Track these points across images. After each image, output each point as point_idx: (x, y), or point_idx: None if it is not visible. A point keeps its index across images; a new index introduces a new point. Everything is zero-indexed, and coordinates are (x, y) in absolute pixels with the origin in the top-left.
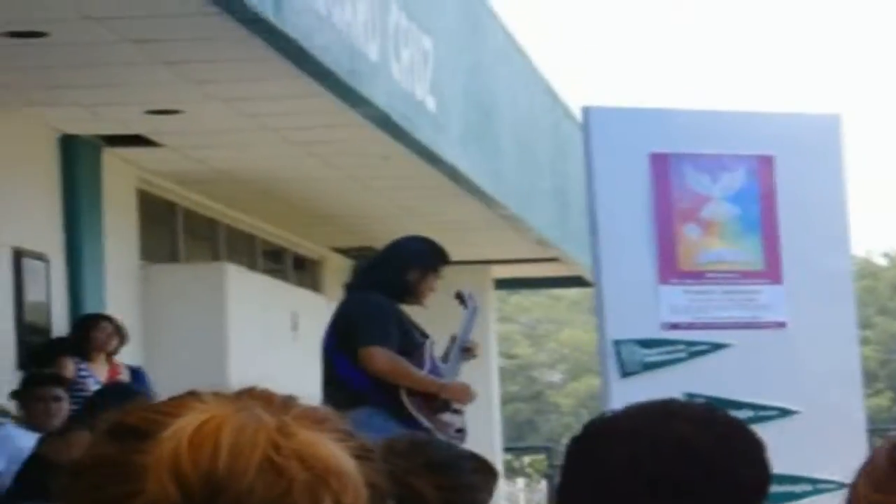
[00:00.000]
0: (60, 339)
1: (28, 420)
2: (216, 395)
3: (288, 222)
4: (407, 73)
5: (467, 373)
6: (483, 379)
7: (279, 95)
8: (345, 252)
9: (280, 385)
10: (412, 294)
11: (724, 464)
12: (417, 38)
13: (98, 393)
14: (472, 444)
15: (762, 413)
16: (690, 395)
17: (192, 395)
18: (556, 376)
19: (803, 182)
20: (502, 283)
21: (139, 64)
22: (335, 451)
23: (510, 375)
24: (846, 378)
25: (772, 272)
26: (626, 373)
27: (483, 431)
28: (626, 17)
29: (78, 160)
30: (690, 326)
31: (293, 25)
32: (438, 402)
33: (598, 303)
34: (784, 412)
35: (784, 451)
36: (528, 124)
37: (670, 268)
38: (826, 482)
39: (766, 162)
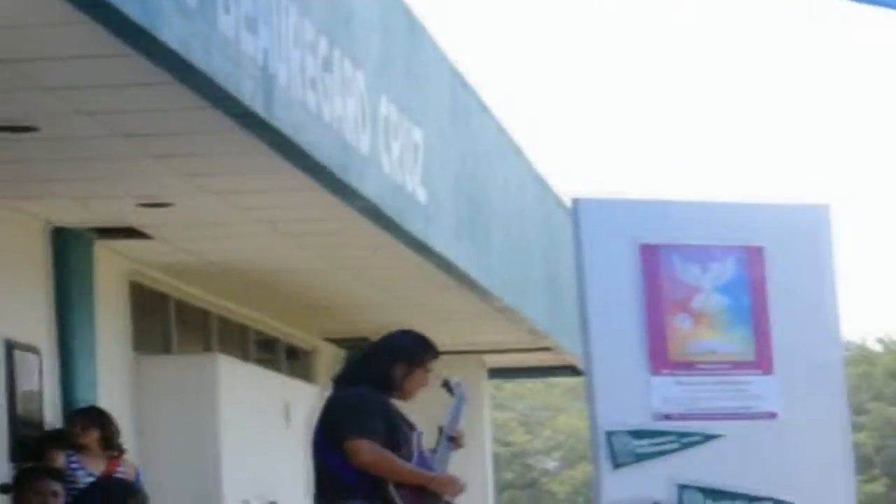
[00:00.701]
0: (48, 432)
1: None
2: None
3: (280, 313)
4: (397, 165)
5: (461, 461)
6: (477, 467)
7: (270, 188)
8: (337, 342)
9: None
10: (398, 388)
11: None
12: (408, 130)
13: (92, 486)
14: None
15: (756, 503)
16: (683, 486)
17: None
18: (551, 464)
19: (793, 272)
20: (496, 373)
21: (130, 157)
22: None
23: (505, 463)
24: (838, 468)
25: (762, 363)
26: (618, 464)
27: None
28: (618, 109)
29: (69, 252)
30: (682, 417)
31: (284, 120)
32: (427, 494)
33: (589, 394)
34: (777, 502)
35: None
36: (519, 215)
37: (661, 359)
38: None
39: (755, 252)
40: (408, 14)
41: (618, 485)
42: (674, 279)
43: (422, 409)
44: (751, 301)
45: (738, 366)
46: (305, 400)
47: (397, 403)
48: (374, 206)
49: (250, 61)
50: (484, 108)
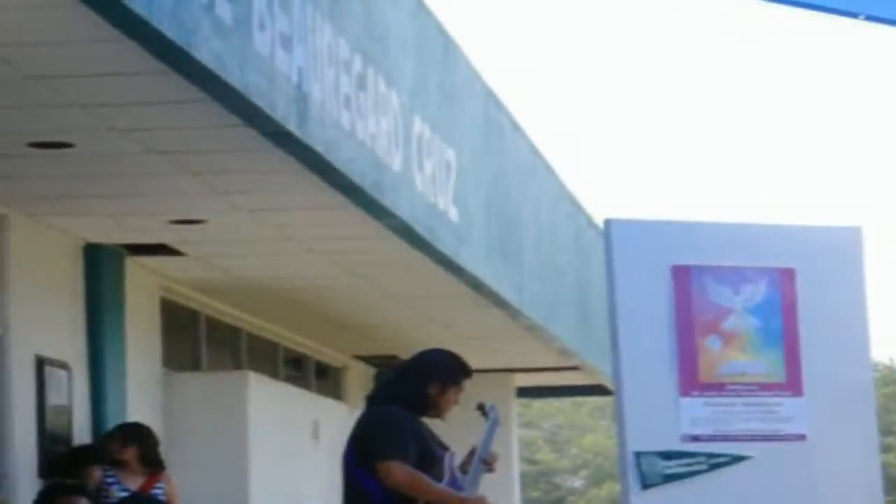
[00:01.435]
0: (85, 447)
1: None
2: None
3: (310, 330)
4: (430, 184)
5: (488, 480)
6: (505, 485)
7: (303, 206)
8: (367, 360)
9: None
10: (431, 407)
11: None
12: (440, 149)
13: (120, 501)
14: None
15: None
16: None
17: None
18: (577, 482)
19: (824, 294)
20: (524, 391)
21: (163, 174)
22: None
23: (532, 481)
24: (866, 491)
25: (793, 384)
26: (646, 485)
27: None
28: (650, 130)
29: (101, 269)
30: (711, 438)
31: (317, 138)
32: None
33: (618, 414)
34: None
35: None
36: (550, 234)
37: (691, 380)
38: None
39: (787, 274)
40: (442, 33)
41: None
42: (705, 300)
43: (453, 430)
44: (782, 323)
45: (768, 387)
46: (334, 418)
47: (430, 423)
48: (406, 225)
49: (285, 79)
50: (516, 127)
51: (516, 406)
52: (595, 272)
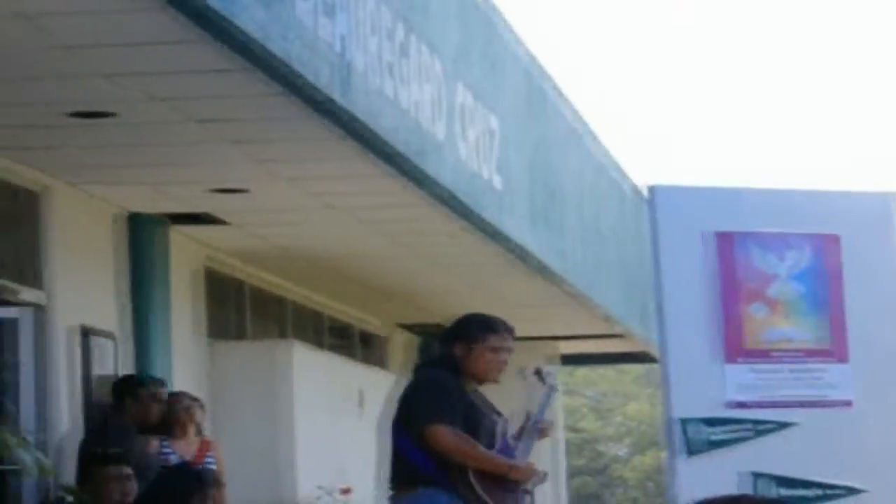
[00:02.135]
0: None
1: (94, 499)
2: None
3: (354, 299)
4: (473, 151)
5: (534, 447)
6: (550, 453)
7: (345, 175)
8: (410, 328)
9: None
10: (463, 369)
11: None
12: (483, 116)
13: (160, 476)
14: None
15: (830, 492)
16: (757, 475)
17: None
18: (621, 450)
19: (868, 260)
20: (568, 359)
21: (205, 143)
22: None
23: (576, 449)
24: None
25: (838, 351)
26: (692, 451)
27: None
28: (693, 96)
29: (144, 238)
30: (756, 405)
31: (360, 106)
32: (507, 482)
33: (663, 381)
34: (851, 491)
35: None
36: (593, 201)
37: (736, 346)
38: None
39: (831, 240)
40: (485, 0)
41: (691, 472)
42: (749, 267)
43: (504, 396)
44: (827, 289)
45: (813, 354)
46: (379, 386)
47: (483, 389)
48: (450, 193)
49: (328, 47)
50: (559, 94)
51: (561, 373)
52: (638, 240)
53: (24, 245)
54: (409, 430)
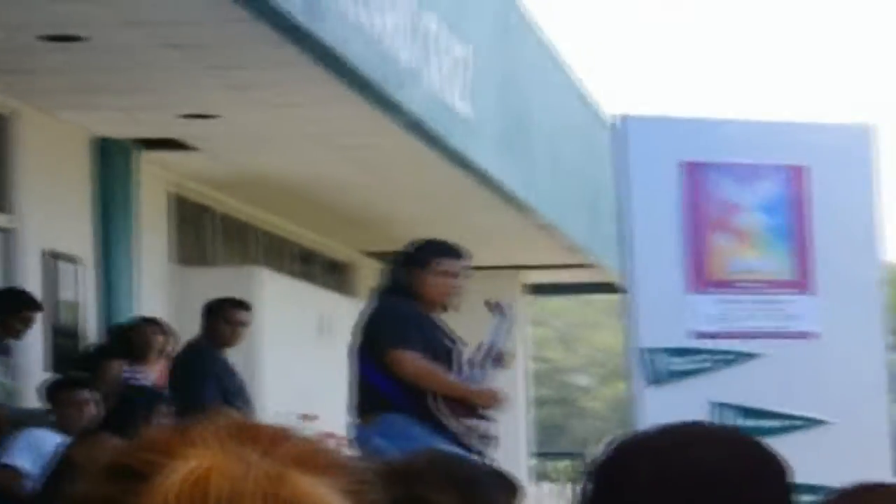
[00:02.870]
0: (104, 342)
1: (60, 423)
2: (209, 434)
3: (321, 226)
4: (441, 80)
5: (499, 377)
6: (513, 383)
7: (313, 101)
8: (377, 256)
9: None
10: (416, 295)
11: (751, 492)
12: (452, 45)
13: (123, 397)
14: (500, 448)
15: (790, 423)
16: (718, 405)
17: (186, 434)
18: (586, 380)
19: (836, 192)
20: (534, 289)
21: (175, 69)
22: (328, 497)
23: (542, 379)
24: (874, 389)
25: (802, 282)
26: (654, 381)
27: (512, 436)
28: (662, 27)
29: (112, 163)
30: (719, 336)
31: (329, 33)
32: (467, 407)
33: (627, 311)
34: (813, 422)
35: (811, 461)
36: (561, 131)
37: (700, 277)
38: None
39: (799, 172)
40: None
41: (653, 401)
42: (716, 197)
43: (470, 327)
44: (793, 220)
45: (777, 285)
46: (344, 313)
47: (445, 318)
48: (418, 121)
49: None
50: (529, 25)
51: (526, 304)
52: (606, 169)
53: None
54: (372, 356)
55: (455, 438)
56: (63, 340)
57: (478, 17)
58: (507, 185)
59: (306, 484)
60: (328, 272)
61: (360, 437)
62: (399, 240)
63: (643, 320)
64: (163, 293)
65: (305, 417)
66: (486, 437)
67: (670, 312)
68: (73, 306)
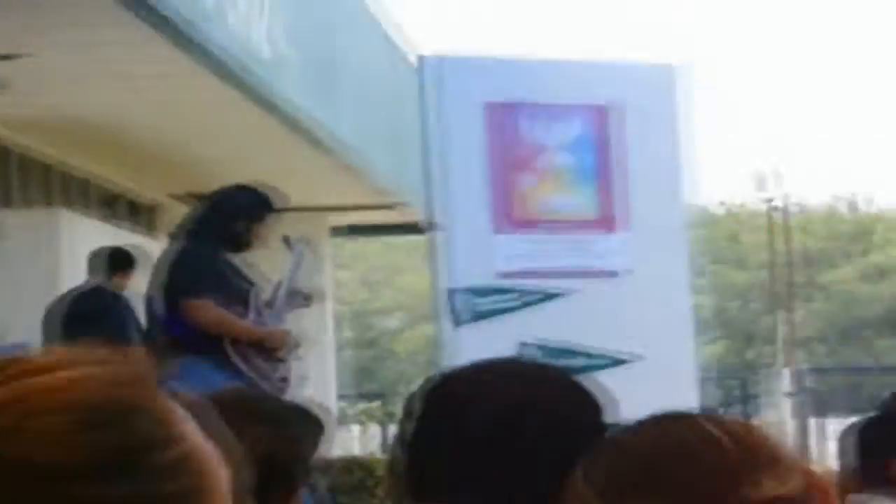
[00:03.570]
0: None
1: None
2: None
3: (124, 168)
4: (244, 19)
5: (302, 320)
6: (318, 325)
7: (116, 41)
8: (181, 198)
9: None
10: (239, 244)
11: (557, 423)
12: None
13: None
14: (308, 390)
15: (596, 361)
16: (524, 344)
17: None
18: (393, 323)
19: (639, 132)
20: (339, 231)
21: None
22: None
23: (347, 322)
24: (679, 327)
25: (606, 221)
26: (459, 321)
27: (318, 378)
28: None
29: None
30: (526, 275)
31: None
32: (262, 349)
33: (432, 252)
34: (617, 360)
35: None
36: (366, 71)
37: (506, 217)
38: None
39: (600, 112)
40: None
41: (460, 342)
42: (519, 138)
43: (268, 263)
44: (596, 160)
45: (581, 224)
46: (148, 256)
47: (238, 259)
48: (221, 61)
49: None
50: None
51: (331, 246)
52: (410, 111)
53: None
54: (169, 302)
55: (252, 383)
56: None
57: None
58: (313, 125)
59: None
60: (132, 214)
61: None
62: (204, 181)
63: (448, 261)
64: None
65: None
66: (284, 381)
67: (477, 253)
68: None
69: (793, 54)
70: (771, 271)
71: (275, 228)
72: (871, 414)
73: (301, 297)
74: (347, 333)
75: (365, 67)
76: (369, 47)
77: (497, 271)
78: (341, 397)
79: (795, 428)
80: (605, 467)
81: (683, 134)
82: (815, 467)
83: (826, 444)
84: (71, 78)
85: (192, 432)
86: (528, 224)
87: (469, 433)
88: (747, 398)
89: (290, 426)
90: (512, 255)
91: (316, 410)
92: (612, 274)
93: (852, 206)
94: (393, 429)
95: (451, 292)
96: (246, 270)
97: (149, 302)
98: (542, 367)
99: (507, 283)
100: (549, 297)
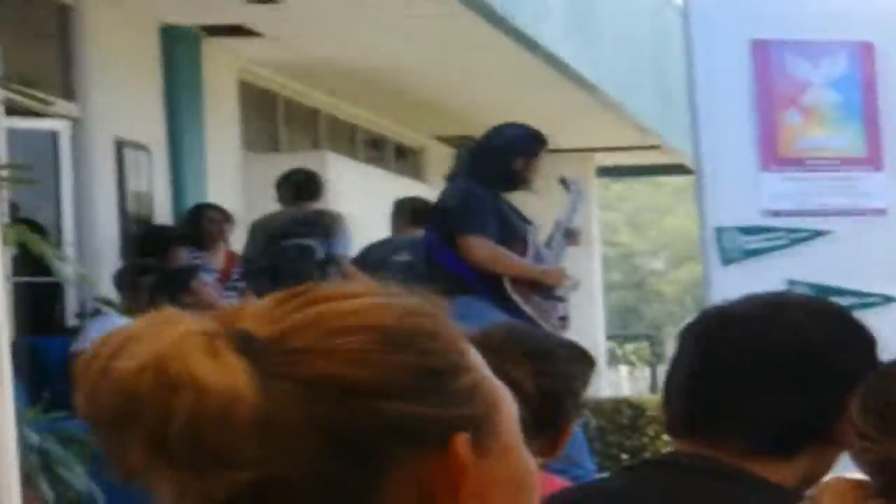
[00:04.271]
0: (170, 229)
1: (128, 308)
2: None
3: (389, 111)
4: None
5: (571, 261)
6: (586, 267)
7: None
8: (446, 141)
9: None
10: (516, 182)
11: (834, 356)
12: None
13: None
14: (575, 332)
15: (865, 300)
16: (792, 283)
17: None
18: (659, 264)
19: None
20: (604, 171)
21: None
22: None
23: (613, 263)
24: None
25: (873, 159)
26: (727, 260)
27: (586, 319)
28: None
29: (179, 50)
30: (791, 213)
31: None
32: (541, 288)
33: (699, 191)
34: (888, 299)
35: (886, 338)
36: (629, 11)
37: (771, 155)
38: None
39: (867, 48)
40: None
41: (727, 281)
42: (785, 74)
43: (537, 204)
44: (861, 97)
45: (847, 162)
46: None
47: (513, 197)
48: (484, 3)
49: None
50: None
51: (597, 186)
52: (674, 51)
53: (57, 59)
54: (445, 238)
55: (531, 321)
56: (136, 229)
57: None
58: (575, 65)
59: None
60: (397, 158)
61: None
62: (469, 124)
63: (714, 200)
64: (233, 180)
65: None
66: (563, 319)
67: (742, 191)
68: (144, 195)
69: None
70: None
71: (542, 168)
72: None
73: (576, 237)
74: (615, 275)
75: (628, 6)
76: None
77: (763, 209)
78: (610, 338)
79: None
80: (882, 398)
81: None
82: None
83: None
84: (332, 23)
85: (480, 363)
86: (793, 162)
87: (741, 360)
88: None
89: (560, 362)
90: (779, 193)
91: (585, 349)
92: (880, 212)
93: None
94: (661, 369)
95: (719, 231)
96: (520, 210)
97: (426, 242)
98: (818, 300)
99: (774, 221)
100: (816, 235)
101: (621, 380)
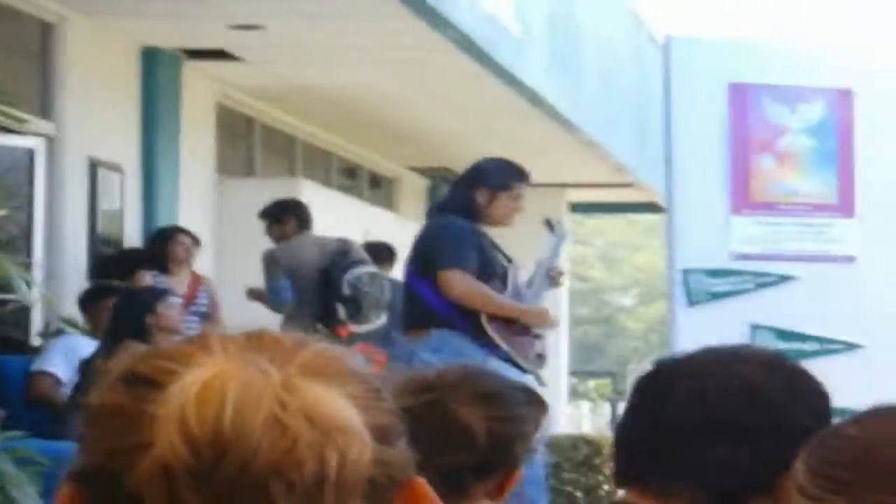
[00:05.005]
0: (136, 251)
1: (94, 330)
2: (225, 343)
3: (365, 140)
4: None
5: (544, 295)
6: (553, 301)
7: (362, 14)
8: (421, 171)
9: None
10: (484, 215)
11: (789, 411)
12: None
13: (122, 298)
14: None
15: (828, 346)
16: (756, 326)
17: (201, 343)
18: (628, 300)
19: (882, 117)
20: (577, 207)
21: None
22: (341, 407)
23: (583, 298)
24: None
25: (844, 206)
26: (692, 301)
27: (551, 354)
28: None
29: (158, 73)
30: (760, 258)
31: None
32: (518, 325)
33: (669, 231)
34: (850, 346)
35: (847, 386)
36: (610, 50)
37: (743, 198)
38: None
39: (845, 95)
40: None
41: (692, 322)
42: (761, 118)
43: (520, 244)
44: (837, 144)
45: (819, 208)
46: (386, 227)
47: (494, 235)
48: (466, 36)
49: None
50: None
51: (570, 222)
52: (654, 89)
53: (36, 76)
54: (425, 272)
55: (507, 357)
56: (105, 249)
57: None
58: (555, 102)
59: (320, 393)
60: (371, 186)
61: (406, 352)
62: (443, 155)
63: (684, 241)
64: (206, 203)
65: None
66: (540, 356)
67: (712, 233)
68: (115, 215)
69: None
70: None
71: (519, 206)
72: None
73: (559, 278)
74: (583, 310)
75: (608, 46)
76: (613, 26)
77: (732, 252)
78: (573, 374)
79: None
80: (828, 457)
81: None
82: None
83: None
84: (313, 50)
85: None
86: (765, 206)
87: (687, 413)
88: None
89: (513, 405)
90: (747, 236)
91: (538, 392)
92: (849, 259)
93: None
94: (622, 406)
95: (686, 273)
96: (501, 247)
97: (406, 275)
98: (768, 352)
99: (741, 264)
100: (782, 279)
101: (581, 416)
